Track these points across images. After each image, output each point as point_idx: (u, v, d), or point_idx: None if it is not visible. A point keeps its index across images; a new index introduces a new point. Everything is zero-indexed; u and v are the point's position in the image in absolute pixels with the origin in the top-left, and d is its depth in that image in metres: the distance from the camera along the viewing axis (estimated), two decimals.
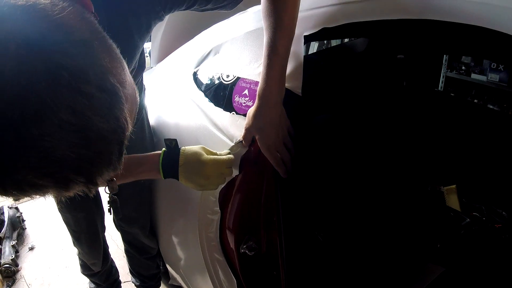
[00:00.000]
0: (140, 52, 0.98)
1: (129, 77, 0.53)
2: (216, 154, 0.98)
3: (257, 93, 0.91)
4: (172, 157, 0.96)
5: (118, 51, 0.53)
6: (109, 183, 0.89)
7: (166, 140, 0.97)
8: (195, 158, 0.95)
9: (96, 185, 0.48)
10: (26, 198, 0.47)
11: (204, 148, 0.97)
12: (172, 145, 0.97)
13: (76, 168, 0.43)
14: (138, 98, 0.58)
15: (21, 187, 0.42)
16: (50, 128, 0.39)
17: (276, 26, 0.86)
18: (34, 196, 0.45)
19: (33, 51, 0.39)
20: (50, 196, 0.47)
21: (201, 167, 0.94)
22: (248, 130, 0.95)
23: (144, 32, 0.90)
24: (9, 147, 0.38)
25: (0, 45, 0.38)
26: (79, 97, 0.41)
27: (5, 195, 0.44)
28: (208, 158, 0.95)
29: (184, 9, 0.91)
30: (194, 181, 0.95)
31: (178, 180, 0.97)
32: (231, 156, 0.98)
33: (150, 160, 0.99)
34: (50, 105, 0.39)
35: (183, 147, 0.97)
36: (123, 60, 0.53)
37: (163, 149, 0.99)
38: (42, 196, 0.46)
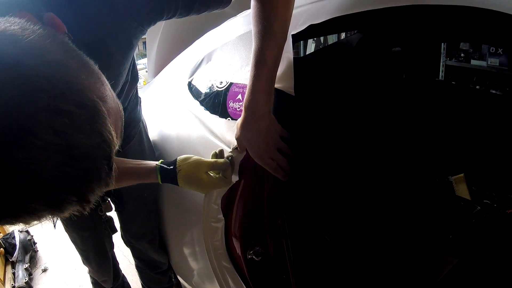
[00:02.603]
0: (127, 67, 0.96)
1: (110, 92, 0.53)
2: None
3: (243, 104, 0.89)
4: (169, 166, 0.98)
5: (96, 67, 0.53)
6: (103, 204, 0.89)
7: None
8: (190, 160, 0.97)
9: (89, 203, 0.47)
10: (34, 222, 0.47)
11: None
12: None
13: (65, 187, 0.43)
14: (123, 112, 0.58)
15: (14, 213, 0.42)
16: (34, 150, 0.39)
17: (265, 34, 0.82)
18: (30, 221, 0.45)
19: (8, 77, 0.39)
20: (46, 220, 0.47)
21: (197, 165, 0.96)
22: (238, 140, 0.95)
23: (126, 49, 0.88)
24: None
25: None
26: (58, 116, 0.41)
27: (1, 223, 0.44)
28: (203, 160, 0.97)
29: (166, 19, 0.89)
30: (193, 180, 0.96)
31: (177, 184, 0.98)
32: (226, 160, 0.98)
33: (146, 171, 1.01)
34: (31, 128, 0.39)
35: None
36: (103, 76, 0.53)
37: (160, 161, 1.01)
38: (38, 220, 0.46)
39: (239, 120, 0.92)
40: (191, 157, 0.98)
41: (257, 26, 0.83)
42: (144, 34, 0.89)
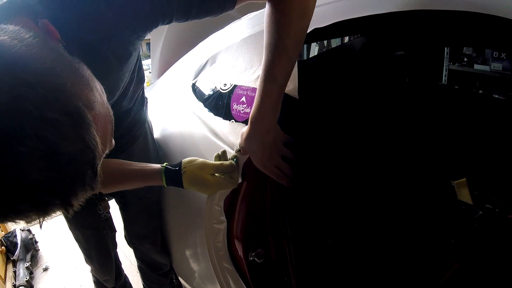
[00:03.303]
0: (128, 72, 0.96)
1: (100, 97, 0.55)
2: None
3: (249, 116, 0.88)
4: (174, 167, 0.99)
5: (87, 73, 0.55)
6: (101, 203, 0.90)
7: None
8: (195, 162, 0.98)
9: (72, 206, 0.49)
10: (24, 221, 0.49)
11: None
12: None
13: (49, 191, 0.45)
14: (113, 117, 0.60)
15: (2, 213, 0.44)
16: (18, 156, 0.41)
17: (276, 48, 0.80)
18: (18, 221, 0.47)
19: None
20: (34, 220, 0.49)
21: (203, 167, 0.96)
22: (242, 149, 0.96)
23: (123, 55, 0.86)
24: None
25: None
26: (42, 124, 0.42)
27: None
28: (209, 162, 0.97)
29: (163, 25, 0.85)
30: (198, 181, 0.97)
31: (182, 186, 0.98)
32: (232, 162, 0.98)
33: (151, 173, 1.01)
34: (15, 136, 0.41)
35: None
36: (93, 81, 0.55)
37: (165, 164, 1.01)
38: (26, 220, 0.48)
39: (244, 131, 0.92)
40: (196, 159, 0.99)
41: (269, 38, 0.81)
42: (143, 39, 0.86)
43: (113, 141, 0.62)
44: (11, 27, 0.49)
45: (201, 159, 0.98)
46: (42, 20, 0.59)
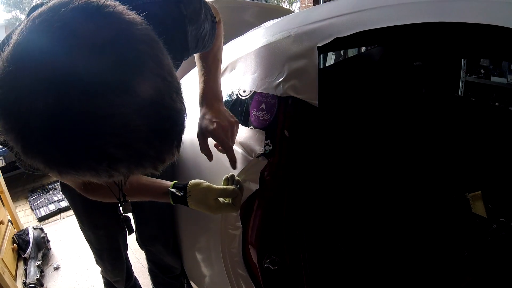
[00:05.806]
0: None
1: None
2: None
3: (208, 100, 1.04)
4: (180, 190, 1.01)
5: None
6: (122, 204, 0.91)
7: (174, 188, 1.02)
8: (200, 187, 0.99)
9: (164, 163, 0.52)
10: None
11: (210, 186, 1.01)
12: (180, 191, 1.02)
13: (147, 141, 0.47)
14: None
15: (93, 159, 0.45)
16: (131, 99, 0.44)
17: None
18: (104, 173, 0.47)
19: (122, 40, 0.46)
20: (118, 177, 0.50)
21: (207, 192, 0.98)
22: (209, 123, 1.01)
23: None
24: (89, 114, 0.42)
25: (97, 32, 0.45)
26: (156, 77, 0.48)
27: (74, 171, 0.46)
28: (213, 187, 0.99)
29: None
30: (202, 205, 0.99)
31: (187, 205, 1.01)
32: (235, 188, 0.99)
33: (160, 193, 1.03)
34: (135, 80, 0.45)
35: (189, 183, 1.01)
36: None
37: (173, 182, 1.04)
38: (109, 177, 0.48)
39: (204, 112, 1.03)
40: (202, 182, 1.00)
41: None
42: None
43: None
44: None
45: (206, 183, 1.00)
46: None
